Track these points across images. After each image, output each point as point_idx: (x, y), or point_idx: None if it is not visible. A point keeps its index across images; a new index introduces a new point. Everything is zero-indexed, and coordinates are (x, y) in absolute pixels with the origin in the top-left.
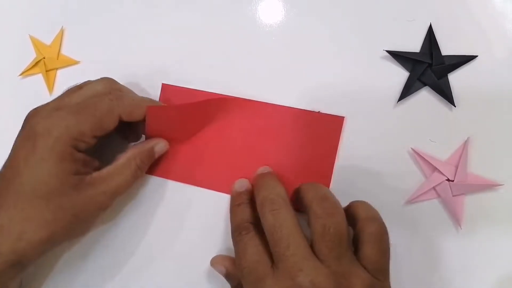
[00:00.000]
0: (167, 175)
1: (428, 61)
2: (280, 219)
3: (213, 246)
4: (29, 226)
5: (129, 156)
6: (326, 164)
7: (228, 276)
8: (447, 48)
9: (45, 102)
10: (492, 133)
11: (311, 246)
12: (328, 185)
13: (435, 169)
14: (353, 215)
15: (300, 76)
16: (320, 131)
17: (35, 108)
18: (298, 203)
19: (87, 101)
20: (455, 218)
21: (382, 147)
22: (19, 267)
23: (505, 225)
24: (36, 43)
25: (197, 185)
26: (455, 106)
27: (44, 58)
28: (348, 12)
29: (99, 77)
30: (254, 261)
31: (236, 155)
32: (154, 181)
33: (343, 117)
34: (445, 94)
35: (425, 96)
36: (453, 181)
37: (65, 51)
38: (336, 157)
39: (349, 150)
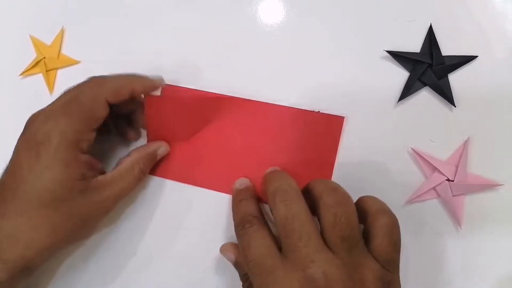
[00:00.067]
0: (167, 175)
1: (428, 61)
2: (292, 210)
3: (213, 246)
4: (37, 235)
5: (133, 160)
6: (326, 164)
7: (236, 265)
8: (447, 48)
9: (46, 102)
10: (492, 133)
11: (322, 238)
12: None
13: (435, 169)
14: (362, 209)
15: (300, 76)
16: (320, 131)
17: (35, 113)
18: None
19: (70, 99)
20: (455, 218)
21: (382, 147)
22: (27, 273)
23: (505, 225)
24: (37, 43)
25: (197, 185)
26: (455, 106)
27: (44, 58)
28: (348, 12)
29: None
30: (261, 254)
31: (236, 155)
32: (154, 181)
33: (343, 117)
34: (445, 94)
35: (425, 96)
36: (453, 181)
37: (66, 51)
38: (336, 157)
39: (349, 150)
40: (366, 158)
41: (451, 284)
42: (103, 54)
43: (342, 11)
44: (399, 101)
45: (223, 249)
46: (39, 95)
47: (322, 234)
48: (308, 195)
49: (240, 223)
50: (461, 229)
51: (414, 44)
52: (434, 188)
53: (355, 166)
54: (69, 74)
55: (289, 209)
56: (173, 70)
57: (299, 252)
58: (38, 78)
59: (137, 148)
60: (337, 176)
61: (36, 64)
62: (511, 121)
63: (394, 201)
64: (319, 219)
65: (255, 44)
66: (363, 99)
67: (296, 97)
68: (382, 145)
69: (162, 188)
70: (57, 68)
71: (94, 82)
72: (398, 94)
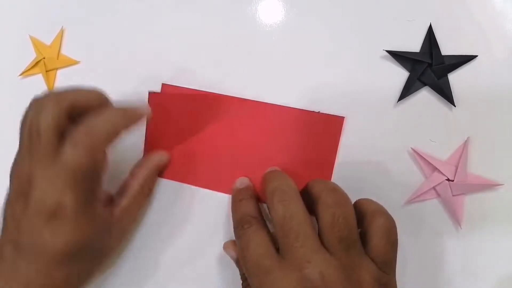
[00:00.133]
0: (167, 175)
1: (428, 61)
2: (290, 210)
3: (213, 246)
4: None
5: (140, 182)
6: (326, 164)
7: (238, 263)
8: (447, 48)
9: None
10: (492, 133)
11: (320, 238)
12: None
13: (435, 169)
14: (360, 211)
15: (300, 76)
16: (320, 131)
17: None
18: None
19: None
20: (455, 218)
21: (382, 147)
22: None
23: (505, 225)
24: (36, 43)
25: (197, 185)
26: (455, 106)
27: (44, 58)
28: (348, 12)
29: (99, 77)
30: (259, 254)
31: (236, 155)
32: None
33: (343, 117)
34: (445, 94)
35: (425, 96)
36: (453, 181)
37: (65, 51)
38: (336, 157)
39: (349, 150)
40: (366, 158)
41: (451, 284)
42: (103, 54)
43: (342, 11)
44: (399, 101)
45: (225, 247)
46: None
47: (319, 234)
48: (307, 195)
49: (239, 223)
50: (461, 229)
51: (414, 44)
52: (434, 188)
53: (355, 166)
54: (69, 74)
55: (287, 209)
56: (173, 70)
57: (296, 252)
58: (38, 78)
59: (138, 164)
60: (337, 176)
61: (35, 64)
62: (511, 121)
63: (393, 201)
64: (317, 219)
65: (255, 44)
66: (363, 99)
67: (296, 97)
68: (382, 145)
69: (162, 188)
70: (56, 68)
71: (33, 113)
72: (398, 94)
